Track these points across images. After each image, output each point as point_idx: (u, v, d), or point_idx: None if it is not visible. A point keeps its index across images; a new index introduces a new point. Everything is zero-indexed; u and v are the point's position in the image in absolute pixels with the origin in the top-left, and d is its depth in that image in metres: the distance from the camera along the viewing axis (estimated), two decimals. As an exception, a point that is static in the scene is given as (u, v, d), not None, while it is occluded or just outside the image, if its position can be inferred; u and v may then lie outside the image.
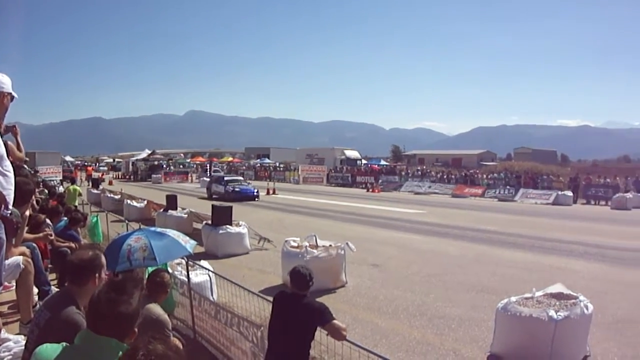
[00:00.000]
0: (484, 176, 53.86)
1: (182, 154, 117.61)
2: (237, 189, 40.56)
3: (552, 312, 7.87)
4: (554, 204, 40.21)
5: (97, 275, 4.23)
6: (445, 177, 56.27)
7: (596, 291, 12.22)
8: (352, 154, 77.14)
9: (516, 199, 43.91)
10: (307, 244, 13.66)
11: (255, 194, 41.03)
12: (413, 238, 21.91)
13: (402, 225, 25.63)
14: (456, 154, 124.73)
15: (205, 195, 42.76)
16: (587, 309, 8.25)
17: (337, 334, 5.80)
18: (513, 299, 8.52)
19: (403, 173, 61.69)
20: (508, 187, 47.40)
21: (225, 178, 44.42)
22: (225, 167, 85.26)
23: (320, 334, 5.97)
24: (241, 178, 50.13)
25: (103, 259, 4.41)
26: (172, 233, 8.00)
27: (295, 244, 13.95)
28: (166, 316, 6.25)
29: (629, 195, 38.02)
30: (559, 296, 8.71)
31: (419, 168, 69.33)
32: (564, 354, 7.92)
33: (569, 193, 41.69)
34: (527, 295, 8.76)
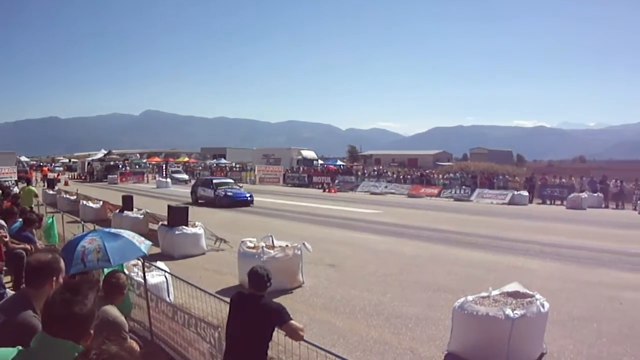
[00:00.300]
0: (440, 176, 54.59)
1: (138, 154, 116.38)
2: (229, 194, 36.06)
3: (508, 311, 8.01)
4: (509, 203, 40.80)
5: (54, 278, 4.18)
6: (401, 177, 56.78)
7: (552, 289, 12.45)
8: (308, 154, 77.32)
9: (472, 199, 44.44)
10: (264, 245, 13.62)
11: (249, 198, 36.41)
12: (369, 238, 22.05)
13: (358, 225, 25.77)
14: (412, 154, 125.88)
15: (190, 200, 37.98)
16: (543, 307, 8.42)
17: (295, 334, 5.82)
18: (469, 297, 8.67)
19: (359, 173, 62.24)
20: (464, 187, 47.97)
21: (214, 181, 39.04)
22: (181, 168, 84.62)
23: (277, 335, 5.97)
24: (231, 180, 44.33)
25: (62, 262, 4.36)
26: (127, 234, 7.93)
27: (252, 245, 13.93)
28: (123, 318, 6.20)
29: (584, 195, 38.81)
30: (515, 295, 8.86)
31: (375, 168, 69.89)
32: (521, 352, 8.08)
33: (525, 193, 42.41)
34: (484, 294, 8.90)
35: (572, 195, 39.22)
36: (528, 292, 8.92)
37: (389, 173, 61.36)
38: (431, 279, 14.47)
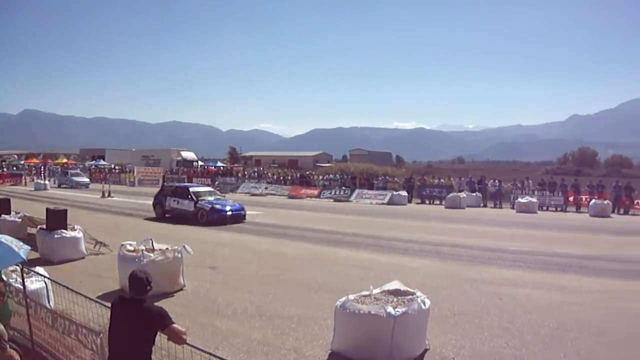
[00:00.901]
0: (320, 177, 55.21)
1: (15, 155, 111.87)
2: (217, 207, 27.83)
3: (390, 309, 8.13)
4: (389, 203, 41.77)
5: None
6: (281, 178, 57.08)
7: (433, 287, 12.81)
8: (188, 155, 77.09)
9: (352, 200, 45.14)
10: (144, 248, 13.33)
11: (243, 212, 28.62)
12: (250, 239, 22.01)
13: (238, 227, 25.63)
14: (292, 155, 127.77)
15: (152, 215, 30.64)
16: (424, 304, 8.60)
17: (177, 338, 5.69)
18: (351, 297, 8.74)
19: (240, 174, 62.10)
20: (344, 187, 48.73)
21: (192, 189, 30.23)
22: (59, 169, 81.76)
23: (160, 339, 5.82)
24: (211, 188, 36.01)
25: None
26: (5, 239, 7.54)
27: (132, 248, 13.57)
28: (2, 327, 5.89)
29: (462, 194, 40.27)
30: (396, 293, 9.03)
31: (255, 169, 70.23)
32: (404, 348, 8.23)
33: (404, 193, 43.42)
34: (365, 292, 9.03)
35: (450, 195, 40.58)
36: (409, 289, 9.10)
37: (269, 174, 61.79)
38: (313, 279, 14.54)
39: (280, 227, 25.48)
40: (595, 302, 12.48)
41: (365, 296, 8.90)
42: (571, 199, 39.36)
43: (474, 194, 41.47)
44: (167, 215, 29.76)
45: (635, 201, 37.55)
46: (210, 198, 29.24)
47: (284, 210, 35.32)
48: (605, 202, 35.55)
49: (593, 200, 35.98)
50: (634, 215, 35.91)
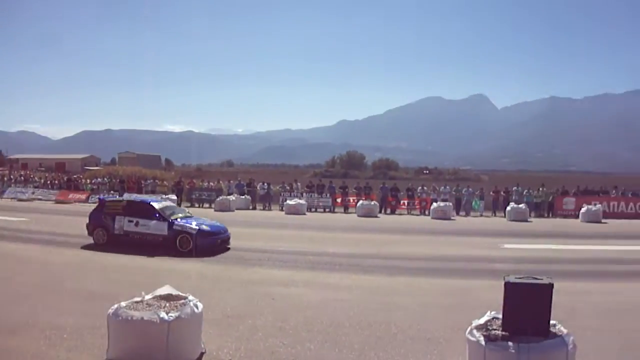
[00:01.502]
0: (88, 181, 53.44)
1: None
2: (205, 228, 20.69)
3: (163, 314, 8.16)
4: (158, 207, 40.85)
5: None
6: (49, 182, 54.51)
7: (204, 290, 12.82)
8: (-50, 160, 71.54)
9: (120, 204, 43.83)
10: None
11: (229, 234, 21.61)
12: (13, 247, 20.83)
13: (2, 234, 23.95)
14: (60, 158, 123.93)
15: (88, 241, 21.70)
16: (197, 307, 8.69)
17: None
18: (123, 303, 8.62)
19: (5, 179, 58.45)
20: (112, 191, 47.28)
21: (156, 204, 21.96)
22: None
23: None
24: (171, 202, 29.29)
25: None
26: None
27: None
28: None
29: (231, 197, 40.76)
30: (168, 297, 9.01)
31: (22, 173, 66.77)
32: (180, 353, 8.25)
33: (173, 196, 42.83)
34: (137, 298, 8.91)
35: (220, 198, 40.88)
36: (181, 294, 9.13)
37: (36, 178, 58.84)
38: (83, 286, 14.09)
39: (49, 234, 24.23)
40: (365, 298, 13.28)
41: (137, 302, 8.77)
42: (339, 200, 41.23)
43: (243, 197, 42.18)
44: (110, 241, 21.25)
45: (401, 201, 40.24)
46: (182, 215, 22.01)
47: (52, 216, 33.49)
48: (372, 202, 37.90)
49: (360, 201, 38.05)
50: (400, 215, 38.47)
